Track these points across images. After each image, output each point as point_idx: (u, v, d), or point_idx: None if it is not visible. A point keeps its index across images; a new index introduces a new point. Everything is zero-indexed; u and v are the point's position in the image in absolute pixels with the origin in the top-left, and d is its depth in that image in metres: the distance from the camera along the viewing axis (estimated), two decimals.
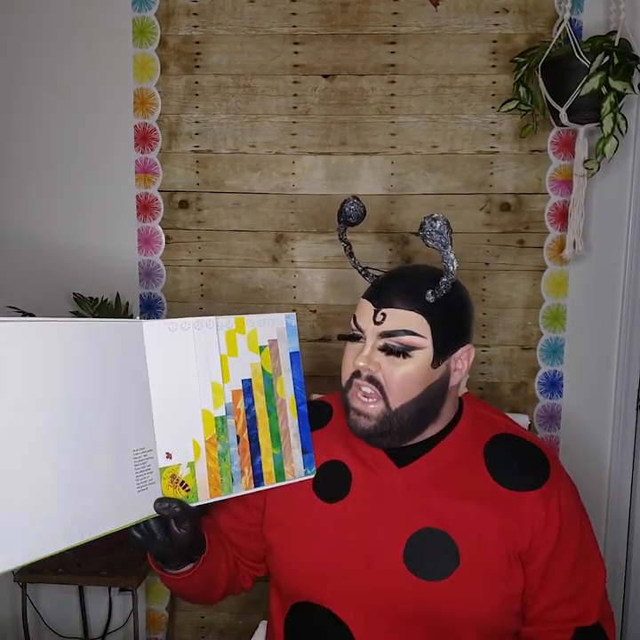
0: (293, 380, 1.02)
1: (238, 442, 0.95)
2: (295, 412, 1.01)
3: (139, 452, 0.86)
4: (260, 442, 0.97)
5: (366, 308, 0.97)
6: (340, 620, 0.96)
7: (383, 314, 0.94)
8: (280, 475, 0.98)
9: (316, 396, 1.48)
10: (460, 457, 0.99)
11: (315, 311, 1.83)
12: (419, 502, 0.96)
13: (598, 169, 1.58)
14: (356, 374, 0.96)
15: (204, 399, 0.92)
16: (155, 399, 0.89)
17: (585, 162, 1.60)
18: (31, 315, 1.71)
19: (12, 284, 1.84)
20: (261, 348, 0.98)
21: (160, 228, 1.82)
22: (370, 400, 0.95)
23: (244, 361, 0.96)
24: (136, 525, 0.86)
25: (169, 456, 0.89)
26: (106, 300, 1.78)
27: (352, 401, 0.97)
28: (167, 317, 1.27)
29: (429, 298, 0.93)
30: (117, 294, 1.79)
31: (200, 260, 1.83)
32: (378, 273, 1.04)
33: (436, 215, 0.90)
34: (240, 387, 0.96)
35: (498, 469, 0.97)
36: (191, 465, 0.90)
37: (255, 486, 0.95)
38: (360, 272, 1.06)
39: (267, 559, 1.08)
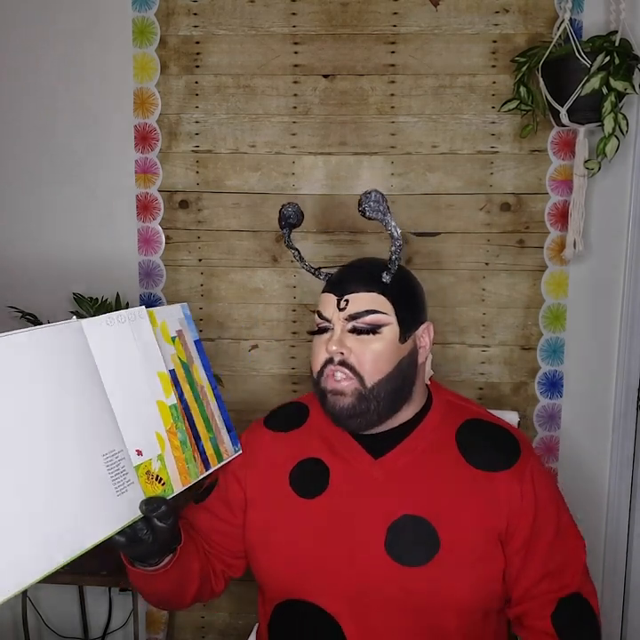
0: (203, 366, 1.03)
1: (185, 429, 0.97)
2: (213, 396, 1.04)
3: (109, 455, 0.83)
4: (197, 428, 0.99)
5: (329, 299, 1.03)
6: (325, 611, 0.98)
7: (346, 300, 1.00)
8: (219, 455, 1.01)
9: None
10: (434, 444, 1.02)
11: (315, 311, 1.82)
12: (396, 491, 0.99)
13: (599, 169, 1.58)
14: (329, 362, 0.99)
15: (155, 390, 0.92)
16: (112, 398, 0.86)
17: (586, 162, 1.60)
18: (32, 315, 1.72)
19: (13, 284, 1.84)
20: (173, 339, 0.99)
21: (160, 228, 1.82)
22: (343, 378, 0.98)
23: (166, 352, 0.96)
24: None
25: (139, 453, 0.88)
26: (106, 299, 1.78)
27: (326, 383, 1.00)
28: None
29: (385, 278, 1.00)
30: (117, 294, 1.79)
31: (200, 260, 1.83)
32: (331, 271, 1.10)
33: (369, 190, 1.01)
34: (170, 377, 0.97)
35: (470, 452, 1.00)
36: (160, 458, 0.90)
37: (205, 470, 0.98)
38: (314, 273, 1.12)
39: (249, 562, 1.09)
